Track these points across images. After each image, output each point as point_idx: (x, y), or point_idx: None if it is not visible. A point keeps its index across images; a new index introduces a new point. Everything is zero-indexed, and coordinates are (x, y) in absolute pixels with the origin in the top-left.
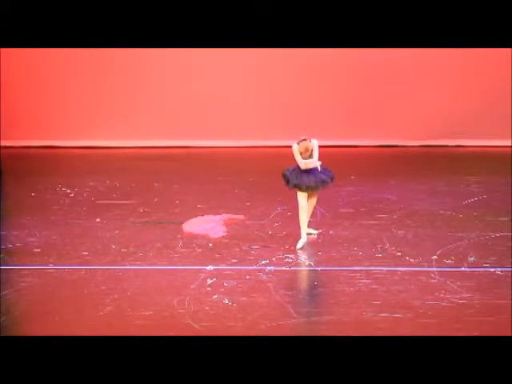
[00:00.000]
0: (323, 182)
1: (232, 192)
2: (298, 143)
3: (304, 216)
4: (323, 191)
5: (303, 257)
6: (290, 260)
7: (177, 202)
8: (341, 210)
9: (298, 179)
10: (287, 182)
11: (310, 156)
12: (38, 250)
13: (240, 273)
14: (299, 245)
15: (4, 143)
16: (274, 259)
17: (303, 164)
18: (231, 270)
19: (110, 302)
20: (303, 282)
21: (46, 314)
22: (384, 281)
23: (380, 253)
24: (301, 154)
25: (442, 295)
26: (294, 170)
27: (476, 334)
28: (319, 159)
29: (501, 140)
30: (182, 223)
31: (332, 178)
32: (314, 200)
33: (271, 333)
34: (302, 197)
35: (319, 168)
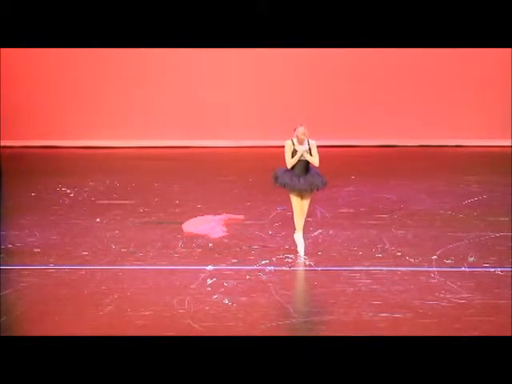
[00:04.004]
0: (313, 185)
1: (232, 192)
2: (292, 139)
3: (298, 218)
4: (324, 191)
5: (303, 257)
6: (289, 260)
7: (177, 202)
8: (341, 210)
9: (288, 179)
10: (276, 179)
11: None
12: (38, 250)
13: (240, 273)
14: (301, 251)
15: (4, 143)
16: (274, 259)
17: (290, 163)
18: (231, 270)
19: (109, 302)
20: (303, 282)
21: (46, 314)
22: (384, 281)
23: (380, 253)
24: (298, 138)
25: (442, 295)
26: (286, 170)
27: (476, 333)
28: (319, 160)
29: (501, 140)
30: (182, 223)
31: (324, 184)
32: (306, 203)
33: (271, 333)
34: (294, 200)
35: (307, 156)
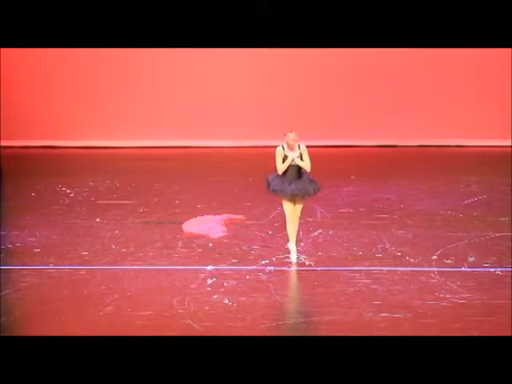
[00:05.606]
0: (304, 190)
1: (232, 192)
2: (283, 145)
3: (290, 226)
4: (324, 191)
5: (303, 257)
6: (289, 260)
7: (177, 202)
8: (341, 210)
9: (279, 185)
10: (268, 185)
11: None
12: (38, 250)
13: (240, 273)
14: (293, 259)
15: (4, 143)
16: (273, 259)
17: (281, 169)
18: (231, 270)
19: (109, 302)
20: (303, 282)
21: (46, 313)
22: (384, 281)
23: (380, 253)
24: (288, 144)
25: (442, 295)
26: (278, 176)
27: (476, 334)
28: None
29: (501, 140)
30: (182, 223)
31: (316, 190)
32: (299, 209)
33: (271, 333)
34: (286, 206)
35: (298, 162)
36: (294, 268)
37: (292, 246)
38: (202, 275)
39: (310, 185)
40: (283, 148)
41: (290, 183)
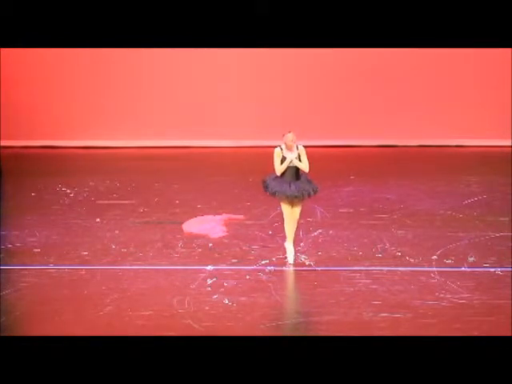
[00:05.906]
0: (304, 191)
1: (232, 192)
2: (281, 146)
3: (288, 227)
4: (324, 191)
5: (303, 257)
6: (287, 260)
7: (177, 202)
8: (341, 210)
9: (278, 187)
10: (266, 187)
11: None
12: (38, 250)
13: (240, 273)
14: (290, 259)
15: (4, 143)
16: (274, 259)
17: (279, 170)
18: (231, 270)
19: (109, 302)
20: (303, 282)
21: (46, 313)
22: (384, 281)
23: (380, 253)
24: (287, 145)
25: (442, 295)
26: (276, 177)
27: (476, 334)
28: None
29: (501, 140)
30: (182, 223)
31: (315, 191)
32: (297, 210)
33: (271, 333)
34: (285, 207)
35: (296, 163)
36: (293, 268)
37: (289, 245)
38: (202, 275)
39: (309, 186)
40: (281, 149)
41: (289, 184)
